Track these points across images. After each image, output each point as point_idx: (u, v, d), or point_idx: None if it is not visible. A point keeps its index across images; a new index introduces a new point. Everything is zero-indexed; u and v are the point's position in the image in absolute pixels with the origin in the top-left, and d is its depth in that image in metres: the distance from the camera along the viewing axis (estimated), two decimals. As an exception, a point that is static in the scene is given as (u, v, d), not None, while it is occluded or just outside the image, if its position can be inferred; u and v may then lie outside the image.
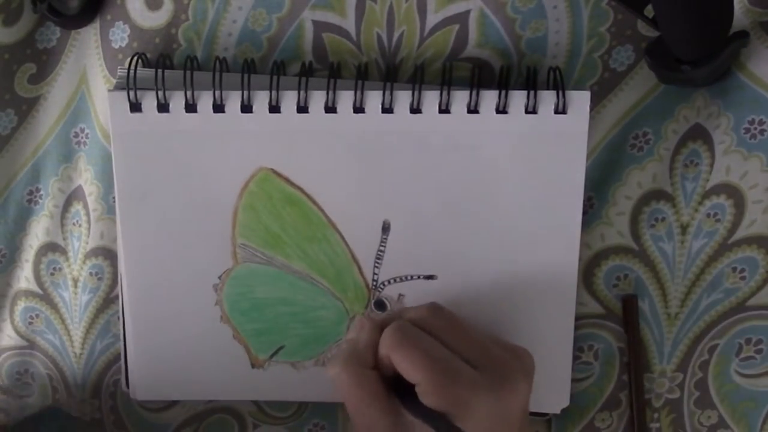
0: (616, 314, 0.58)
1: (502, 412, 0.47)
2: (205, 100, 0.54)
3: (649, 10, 0.51)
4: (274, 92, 0.54)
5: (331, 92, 0.53)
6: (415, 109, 0.53)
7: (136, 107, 0.54)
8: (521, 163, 0.54)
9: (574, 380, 0.59)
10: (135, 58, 0.54)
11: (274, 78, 0.53)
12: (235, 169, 0.55)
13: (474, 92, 0.53)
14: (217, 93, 0.54)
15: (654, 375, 0.59)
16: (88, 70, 0.59)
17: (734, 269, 0.57)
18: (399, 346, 0.47)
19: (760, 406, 0.58)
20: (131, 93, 0.54)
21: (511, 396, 0.47)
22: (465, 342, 0.48)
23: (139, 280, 0.57)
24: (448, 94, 0.53)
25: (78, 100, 0.59)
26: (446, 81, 0.53)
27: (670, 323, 0.58)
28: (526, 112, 0.53)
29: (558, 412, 0.59)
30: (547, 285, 0.56)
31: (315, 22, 0.56)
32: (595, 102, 0.55)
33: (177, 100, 0.54)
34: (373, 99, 0.54)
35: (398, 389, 0.48)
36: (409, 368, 0.46)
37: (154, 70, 0.54)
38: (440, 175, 0.55)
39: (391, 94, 0.53)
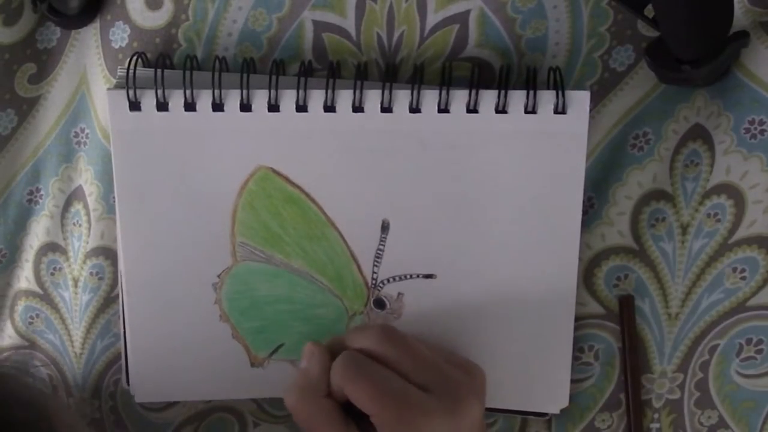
0: (616, 314, 0.58)
1: None
2: (204, 99, 0.54)
3: (649, 10, 0.51)
4: (273, 91, 0.54)
5: (330, 91, 0.53)
6: (415, 109, 0.53)
7: (135, 106, 0.54)
8: (521, 163, 0.54)
9: (574, 381, 0.59)
10: (135, 57, 0.55)
11: (274, 77, 0.53)
12: (235, 168, 0.55)
13: (473, 92, 0.53)
14: (217, 92, 0.54)
15: (654, 375, 0.59)
16: (88, 70, 0.59)
17: (734, 269, 0.57)
18: (350, 379, 0.48)
19: (760, 407, 0.58)
20: (131, 92, 0.54)
21: (464, 417, 0.48)
22: (416, 365, 0.50)
23: (138, 277, 0.57)
24: (448, 93, 0.53)
25: (78, 100, 0.59)
26: (446, 81, 0.53)
27: (671, 323, 0.58)
28: (526, 111, 0.53)
29: (557, 412, 0.59)
30: (546, 285, 0.56)
31: (315, 22, 0.56)
32: (595, 102, 0.55)
33: (176, 99, 0.54)
34: (373, 98, 0.54)
35: (355, 415, 0.49)
36: (361, 401, 0.48)
37: (153, 69, 0.54)
38: (439, 174, 0.55)
39: (390, 93, 0.53)
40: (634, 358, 0.58)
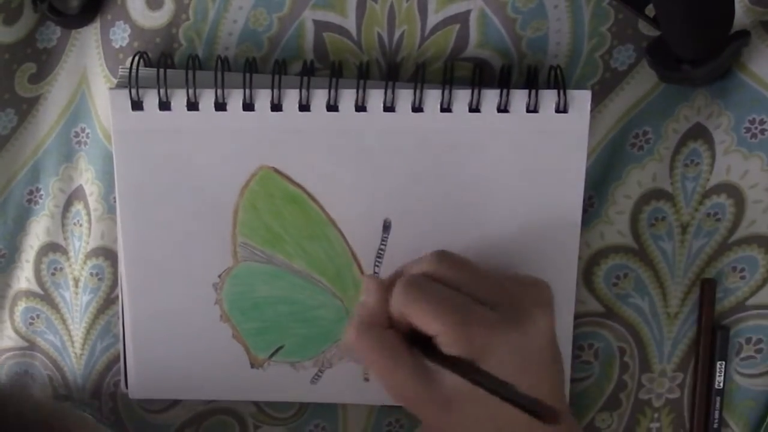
0: (616, 313, 0.58)
1: (526, 347, 0.46)
2: (206, 99, 0.54)
3: (650, 10, 0.51)
4: (275, 90, 0.54)
5: (332, 91, 0.53)
6: (417, 108, 0.54)
7: (137, 105, 0.54)
8: (522, 161, 0.54)
9: (573, 380, 0.59)
10: (137, 56, 0.54)
11: (276, 76, 0.53)
12: (236, 168, 0.55)
13: (475, 91, 0.53)
14: (219, 91, 0.54)
15: (654, 375, 0.59)
16: (89, 69, 0.59)
17: (734, 269, 0.57)
18: (411, 302, 0.46)
19: (760, 406, 0.58)
20: (133, 91, 0.54)
21: (531, 329, 0.47)
22: (477, 283, 0.48)
23: (138, 277, 0.57)
24: (450, 92, 0.53)
25: (78, 100, 0.59)
26: (447, 80, 0.53)
27: (670, 322, 0.58)
28: (527, 111, 0.53)
29: (557, 412, 0.59)
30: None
31: (316, 22, 0.56)
32: (596, 101, 0.55)
33: (179, 99, 0.54)
34: (375, 97, 0.54)
35: (418, 342, 0.47)
36: (424, 322, 0.46)
37: (155, 69, 0.54)
38: (441, 173, 0.55)
39: (393, 92, 0.53)
40: (708, 346, 0.58)
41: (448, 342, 0.45)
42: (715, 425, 0.58)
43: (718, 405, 0.58)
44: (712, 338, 0.57)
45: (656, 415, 0.59)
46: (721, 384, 0.58)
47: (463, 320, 0.45)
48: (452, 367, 0.46)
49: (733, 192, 0.56)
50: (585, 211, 0.56)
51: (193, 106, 0.54)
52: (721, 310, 0.58)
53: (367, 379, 0.59)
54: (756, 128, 0.55)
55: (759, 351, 0.58)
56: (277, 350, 0.59)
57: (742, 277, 0.57)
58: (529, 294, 0.49)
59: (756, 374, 0.58)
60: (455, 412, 0.47)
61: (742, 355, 0.58)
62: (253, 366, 0.59)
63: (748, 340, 0.58)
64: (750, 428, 0.59)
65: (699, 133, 0.56)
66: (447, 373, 0.46)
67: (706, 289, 0.57)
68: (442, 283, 0.48)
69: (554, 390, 0.49)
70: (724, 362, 0.57)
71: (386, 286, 0.49)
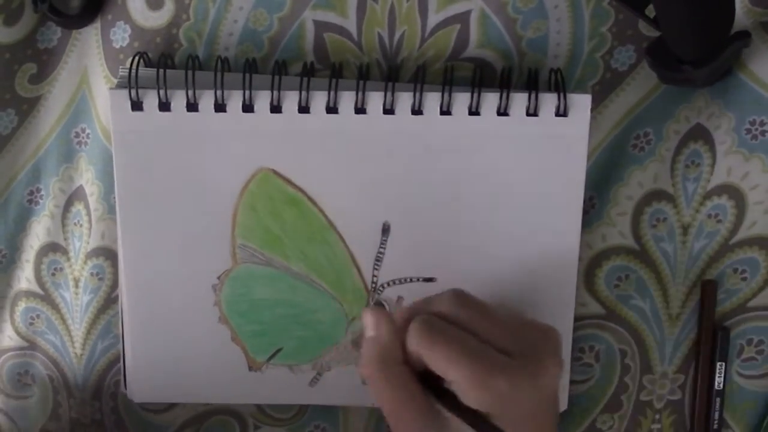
0: (617, 315, 0.58)
1: (539, 396, 0.45)
2: (206, 100, 0.54)
3: (650, 10, 0.51)
4: (275, 92, 0.54)
5: (332, 93, 0.53)
6: (417, 111, 0.53)
7: (137, 106, 0.54)
8: (522, 165, 0.54)
9: (574, 382, 0.59)
10: (137, 57, 0.54)
11: (276, 78, 0.53)
12: (236, 169, 0.55)
13: (475, 94, 0.53)
14: (219, 92, 0.54)
15: (655, 376, 0.59)
16: (89, 69, 0.59)
17: (735, 270, 0.57)
18: (429, 344, 0.45)
19: (760, 407, 0.58)
20: (133, 92, 0.54)
21: (543, 380, 0.45)
22: (495, 328, 0.46)
23: (138, 278, 0.57)
24: (450, 95, 0.53)
25: (79, 100, 0.59)
26: (447, 82, 0.53)
27: (672, 324, 0.58)
28: (527, 114, 0.53)
29: (557, 414, 0.59)
30: (546, 286, 0.56)
31: (316, 22, 0.56)
32: (597, 102, 0.55)
33: (178, 100, 0.54)
34: (375, 100, 0.54)
35: (430, 383, 0.46)
36: (441, 367, 0.44)
37: (155, 69, 0.54)
38: (441, 176, 0.55)
39: (393, 95, 0.53)
40: (708, 348, 0.58)
41: (464, 390, 0.44)
42: (716, 426, 0.58)
43: (718, 406, 0.58)
44: (712, 339, 0.57)
45: (657, 417, 0.59)
46: (721, 385, 0.58)
47: (480, 366, 0.44)
48: (464, 417, 0.44)
49: (734, 193, 0.56)
50: (586, 212, 0.56)
51: (192, 107, 0.54)
52: (722, 311, 0.58)
53: (365, 383, 0.59)
54: (756, 129, 0.54)
55: (760, 352, 0.58)
56: (275, 353, 0.59)
57: (744, 279, 0.57)
58: (541, 342, 0.47)
59: (757, 375, 0.58)
60: None
61: (743, 356, 0.58)
62: (251, 369, 0.59)
63: (749, 342, 0.58)
64: (750, 429, 0.59)
65: (700, 134, 0.55)
66: (457, 420, 0.45)
67: (707, 290, 0.57)
68: (458, 326, 0.46)
69: None
70: (724, 363, 0.57)
71: (399, 322, 0.47)
